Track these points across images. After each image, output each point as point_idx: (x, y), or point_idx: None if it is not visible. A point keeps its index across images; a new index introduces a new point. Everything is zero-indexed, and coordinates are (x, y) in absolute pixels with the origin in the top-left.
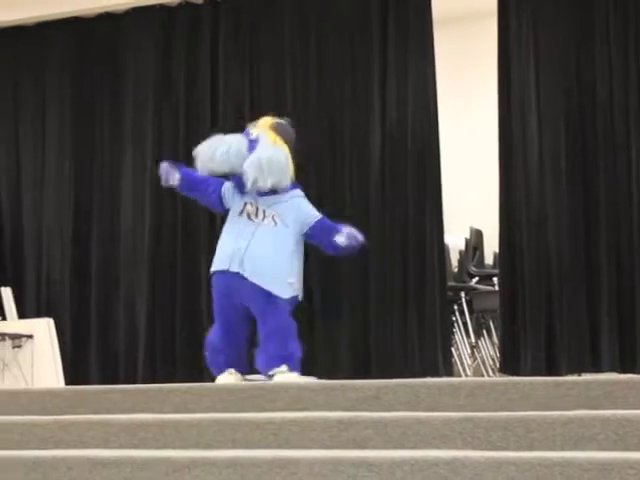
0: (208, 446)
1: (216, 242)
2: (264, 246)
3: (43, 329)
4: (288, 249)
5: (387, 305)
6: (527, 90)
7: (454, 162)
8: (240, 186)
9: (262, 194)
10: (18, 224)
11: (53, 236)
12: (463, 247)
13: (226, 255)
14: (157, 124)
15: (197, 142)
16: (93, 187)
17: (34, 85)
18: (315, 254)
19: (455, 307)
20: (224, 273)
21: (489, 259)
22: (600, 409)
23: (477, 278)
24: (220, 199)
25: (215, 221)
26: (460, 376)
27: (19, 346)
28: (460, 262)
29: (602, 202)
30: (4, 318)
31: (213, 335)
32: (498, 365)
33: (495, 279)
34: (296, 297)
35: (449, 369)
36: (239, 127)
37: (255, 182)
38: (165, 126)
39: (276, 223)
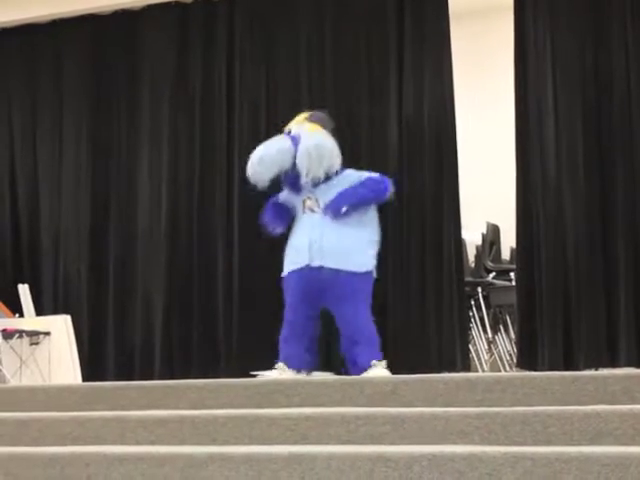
0: (225, 442)
1: (233, 238)
2: (338, 231)
3: (60, 326)
4: (356, 226)
5: (404, 300)
6: (544, 84)
7: (471, 157)
8: (293, 184)
9: (316, 185)
10: (35, 221)
11: (70, 233)
12: (480, 242)
13: (302, 250)
14: (173, 121)
15: (213, 139)
16: (110, 184)
17: (51, 83)
18: None
19: (472, 302)
20: (302, 270)
21: (506, 254)
22: (618, 404)
23: (494, 273)
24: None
25: (232, 219)
26: (477, 371)
27: (37, 343)
28: (477, 257)
29: (619, 197)
30: (22, 315)
31: (283, 331)
32: (515, 360)
33: (512, 274)
34: (373, 270)
35: (466, 364)
36: (255, 124)
37: (309, 172)
38: (181, 123)
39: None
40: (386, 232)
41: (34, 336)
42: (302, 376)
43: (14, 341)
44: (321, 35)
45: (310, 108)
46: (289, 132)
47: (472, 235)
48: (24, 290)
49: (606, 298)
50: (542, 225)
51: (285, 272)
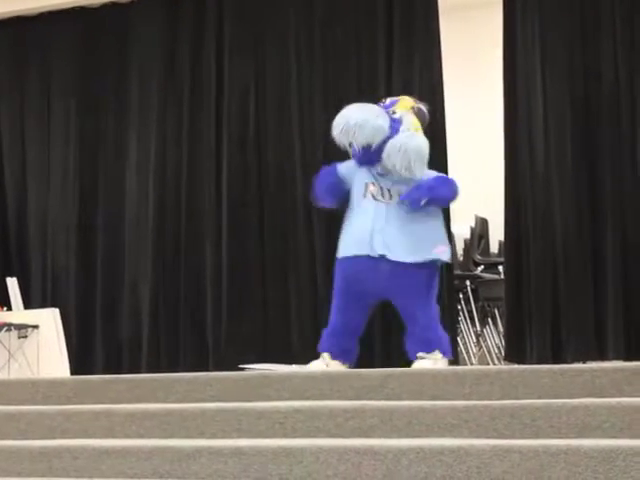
0: (213, 435)
1: (221, 229)
2: (402, 224)
3: (48, 319)
4: (422, 219)
5: None
6: (533, 77)
7: (460, 151)
8: (363, 158)
9: (382, 173)
10: (23, 214)
11: (58, 226)
12: (468, 235)
13: (363, 238)
14: (162, 113)
15: (202, 130)
16: (98, 177)
17: (40, 76)
18: (322, 246)
19: (460, 296)
20: (361, 258)
21: (494, 247)
22: (605, 397)
23: (482, 266)
24: (339, 182)
25: (221, 209)
26: (465, 364)
27: (25, 336)
28: (465, 250)
29: (608, 190)
30: (10, 308)
31: (331, 319)
32: (503, 353)
33: (500, 267)
34: (438, 263)
35: (454, 358)
36: (244, 115)
37: (396, 168)
38: (170, 114)
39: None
40: None
41: (22, 329)
42: (347, 369)
43: (2, 334)
44: (310, 26)
45: (298, 98)
46: (391, 110)
47: (461, 228)
48: (12, 283)
49: (594, 291)
50: (530, 218)
51: (341, 255)
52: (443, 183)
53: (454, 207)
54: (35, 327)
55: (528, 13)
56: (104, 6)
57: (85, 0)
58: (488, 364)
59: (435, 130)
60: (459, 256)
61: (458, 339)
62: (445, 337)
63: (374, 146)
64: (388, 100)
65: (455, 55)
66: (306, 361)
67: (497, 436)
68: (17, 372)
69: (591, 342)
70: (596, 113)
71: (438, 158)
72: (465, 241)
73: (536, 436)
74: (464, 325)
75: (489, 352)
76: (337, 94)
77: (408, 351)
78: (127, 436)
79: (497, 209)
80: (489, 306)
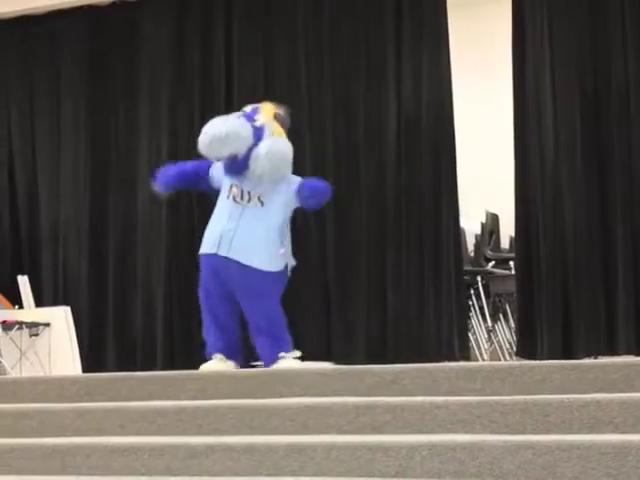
0: (226, 432)
1: None
2: (252, 227)
3: (60, 317)
4: (276, 225)
5: (403, 290)
6: (542, 72)
7: (469, 146)
8: (231, 168)
9: (245, 176)
10: (35, 212)
11: (69, 224)
12: (479, 231)
13: (214, 238)
14: (172, 109)
15: None
16: (109, 175)
17: (48, 74)
18: (332, 242)
19: (471, 291)
20: (212, 256)
21: (505, 243)
22: (617, 392)
23: (493, 262)
24: (209, 181)
25: None
26: (477, 360)
27: (36, 334)
28: (476, 246)
29: (618, 184)
30: (21, 307)
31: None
32: (515, 349)
33: (511, 263)
34: (286, 269)
35: (466, 353)
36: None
37: (262, 175)
38: (180, 111)
39: (263, 203)
40: (385, 222)
41: (34, 327)
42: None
43: (14, 333)
44: (318, 23)
45: (308, 95)
46: (254, 119)
47: (471, 224)
48: (24, 281)
49: (605, 286)
50: (541, 213)
51: (200, 252)
52: (326, 190)
53: (464, 203)
54: (47, 325)
55: (537, 9)
56: (113, 3)
57: None
58: (500, 360)
59: (444, 127)
60: (470, 251)
61: (469, 335)
62: (289, 338)
63: (240, 156)
64: (250, 108)
65: (464, 51)
66: (314, 358)
67: (509, 432)
68: (29, 370)
69: (602, 337)
70: (606, 108)
71: (447, 154)
72: (476, 237)
73: (548, 432)
74: (475, 321)
75: (500, 348)
76: (346, 92)
77: (260, 352)
78: (139, 433)
79: (508, 205)
80: (500, 302)
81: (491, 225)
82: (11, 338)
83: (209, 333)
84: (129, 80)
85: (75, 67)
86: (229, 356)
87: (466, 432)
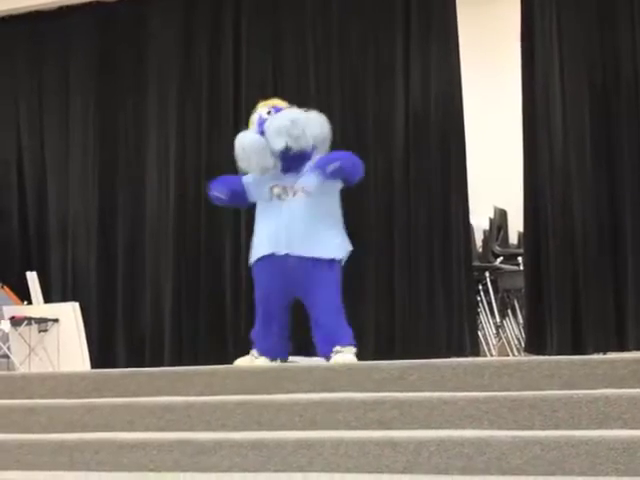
0: (234, 428)
1: (240, 224)
2: (305, 218)
3: (69, 313)
4: (327, 212)
5: (412, 285)
6: (551, 68)
7: (478, 142)
8: (291, 162)
9: (285, 171)
10: (43, 208)
11: (78, 221)
12: (487, 227)
13: (269, 239)
14: (181, 106)
15: (220, 125)
16: (118, 171)
17: (57, 70)
18: None
19: (480, 287)
20: (270, 257)
21: (513, 238)
22: (626, 388)
23: (502, 258)
24: (246, 194)
25: None
26: (485, 356)
27: (45, 330)
28: (484, 242)
29: (627, 179)
30: (30, 302)
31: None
32: (523, 344)
33: (520, 258)
34: (342, 258)
35: (474, 349)
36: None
37: (290, 142)
38: (188, 108)
39: (308, 193)
40: (394, 217)
41: (43, 323)
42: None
43: (23, 328)
44: (327, 20)
45: (317, 93)
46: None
47: (480, 220)
48: (32, 277)
49: (614, 281)
50: (549, 209)
51: (253, 258)
52: (351, 156)
53: (472, 198)
54: (55, 321)
55: (546, 4)
56: (121, 1)
57: None
58: (508, 355)
59: (453, 122)
60: (478, 247)
61: (478, 330)
62: (350, 331)
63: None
64: (266, 109)
65: (473, 47)
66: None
67: (517, 427)
68: (38, 366)
69: (611, 333)
70: (615, 104)
71: (457, 150)
72: (484, 232)
73: (556, 427)
74: (484, 316)
75: (509, 343)
76: (355, 89)
77: (318, 345)
78: (148, 429)
79: (516, 200)
80: (509, 297)
81: (499, 220)
82: (20, 334)
83: (259, 335)
84: (137, 77)
85: (84, 64)
86: (275, 355)
87: (474, 428)
